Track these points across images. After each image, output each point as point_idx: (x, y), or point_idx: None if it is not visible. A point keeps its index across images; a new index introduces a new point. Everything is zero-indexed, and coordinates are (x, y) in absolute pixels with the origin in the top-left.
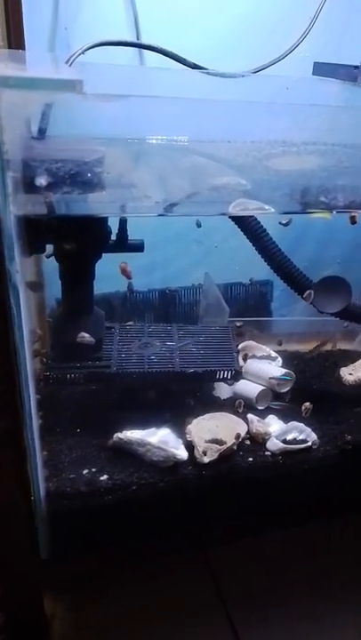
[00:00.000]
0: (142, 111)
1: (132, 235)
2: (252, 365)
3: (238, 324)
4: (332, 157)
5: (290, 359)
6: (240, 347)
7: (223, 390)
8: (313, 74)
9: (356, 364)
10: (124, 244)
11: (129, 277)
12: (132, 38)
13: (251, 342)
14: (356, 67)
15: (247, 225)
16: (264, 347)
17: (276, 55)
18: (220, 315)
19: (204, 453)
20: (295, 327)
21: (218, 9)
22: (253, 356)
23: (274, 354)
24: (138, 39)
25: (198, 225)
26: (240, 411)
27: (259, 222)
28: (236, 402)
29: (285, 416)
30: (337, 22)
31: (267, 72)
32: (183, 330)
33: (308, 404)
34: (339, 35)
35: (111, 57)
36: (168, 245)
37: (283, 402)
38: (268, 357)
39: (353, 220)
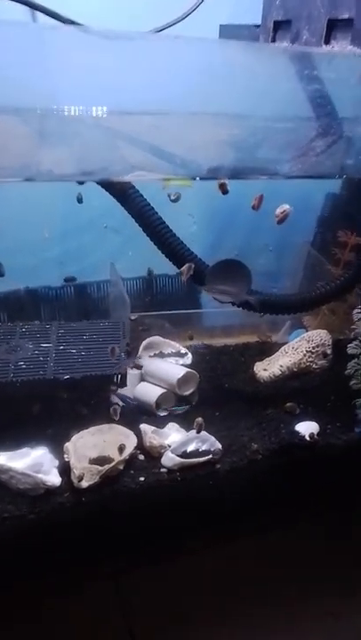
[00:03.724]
0: None
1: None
2: (152, 365)
3: (132, 318)
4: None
5: (202, 354)
6: (144, 343)
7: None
8: (220, 36)
9: (271, 357)
10: None
11: None
12: None
13: (157, 338)
14: (258, 26)
15: (130, 202)
16: (173, 342)
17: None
18: (123, 308)
19: (81, 478)
20: (219, 319)
21: None
22: (160, 354)
23: (184, 350)
24: None
25: (79, 200)
26: (116, 418)
27: (144, 200)
28: (111, 408)
29: (190, 423)
30: None
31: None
32: (64, 328)
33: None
34: None
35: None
36: (81, 234)
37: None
38: (177, 354)
39: (223, 189)
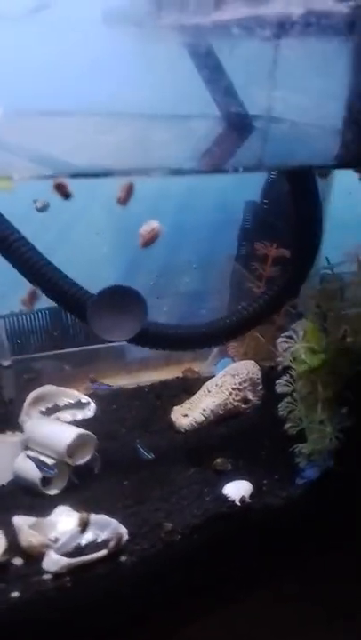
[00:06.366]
0: None
1: None
2: (35, 428)
3: (5, 364)
4: None
5: (108, 401)
6: (32, 396)
7: (2, 471)
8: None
9: (192, 399)
10: None
11: None
12: None
13: (48, 387)
14: None
15: None
16: (70, 390)
17: None
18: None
19: None
20: (135, 352)
21: None
22: (55, 407)
23: (85, 398)
24: None
25: None
26: None
27: None
28: None
29: (86, 501)
30: None
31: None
32: None
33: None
34: None
35: None
36: None
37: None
38: (77, 405)
39: (63, 192)
